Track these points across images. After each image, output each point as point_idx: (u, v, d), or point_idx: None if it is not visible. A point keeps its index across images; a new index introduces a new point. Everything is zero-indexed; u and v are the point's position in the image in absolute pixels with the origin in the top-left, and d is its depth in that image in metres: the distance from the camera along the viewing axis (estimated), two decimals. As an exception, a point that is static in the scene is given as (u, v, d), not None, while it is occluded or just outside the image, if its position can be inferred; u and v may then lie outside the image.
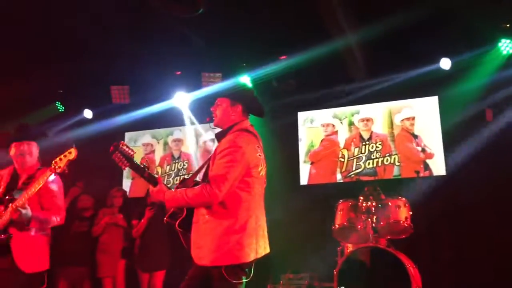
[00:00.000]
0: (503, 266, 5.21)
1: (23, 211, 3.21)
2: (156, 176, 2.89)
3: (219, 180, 2.62)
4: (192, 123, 7.48)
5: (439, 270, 5.36)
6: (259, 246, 2.73)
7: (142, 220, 5.56)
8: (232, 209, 2.67)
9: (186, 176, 7.25)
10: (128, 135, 7.82)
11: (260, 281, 5.31)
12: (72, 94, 7.46)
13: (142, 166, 2.87)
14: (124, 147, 2.84)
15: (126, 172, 7.61)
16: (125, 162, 2.83)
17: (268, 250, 2.83)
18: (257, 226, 2.75)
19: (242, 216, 2.68)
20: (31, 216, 3.26)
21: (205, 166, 2.95)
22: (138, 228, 5.57)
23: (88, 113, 7.55)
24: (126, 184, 7.51)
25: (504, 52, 5.90)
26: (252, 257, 2.67)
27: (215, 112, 2.93)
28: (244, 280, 2.66)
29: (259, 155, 2.83)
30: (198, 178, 3.03)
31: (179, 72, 7.10)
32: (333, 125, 6.87)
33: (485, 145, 5.80)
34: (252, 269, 2.70)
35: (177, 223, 2.82)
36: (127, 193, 7.25)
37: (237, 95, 2.95)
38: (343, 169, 6.62)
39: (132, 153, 2.86)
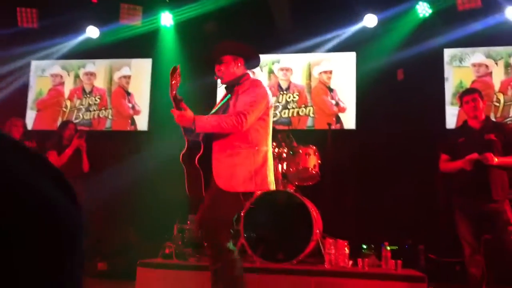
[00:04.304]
0: (401, 217, 5.61)
1: None
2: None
3: (246, 110, 2.89)
4: (108, 57, 7.11)
5: (340, 216, 5.66)
6: (272, 180, 3.07)
7: (68, 149, 5.30)
8: (255, 143, 2.97)
9: (100, 114, 6.96)
10: (35, 64, 7.27)
11: (168, 221, 5.30)
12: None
13: (179, 98, 2.95)
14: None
15: (30, 103, 7.13)
16: (175, 88, 2.92)
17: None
18: (271, 160, 3.09)
19: (263, 150, 3.00)
20: None
21: (223, 109, 3.11)
22: (62, 156, 5.29)
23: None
24: (30, 116, 7.05)
25: (421, 15, 6.13)
26: (268, 187, 3.05)
27: (221, 69, 3.12)
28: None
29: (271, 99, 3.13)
30: None
31: (95, 0, 6.64)
32: (253, 72, 6.82)
33: (394, 102, 6.08)
34: None
35: (196, 159, 2.96)
36: (31, 125, 6.83)
37: (238, 50, 3.19)
38: (259, 117, 6.66)
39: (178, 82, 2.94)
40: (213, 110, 3.20)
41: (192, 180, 3.03)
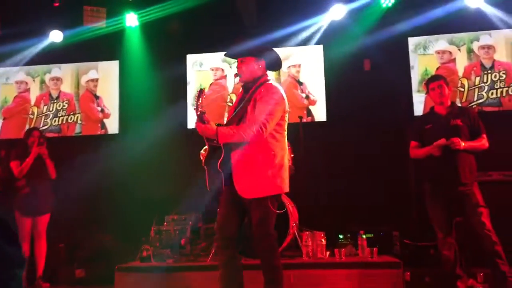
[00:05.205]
0: (374, 205, 5.70)
1: None
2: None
3: (266, 119, 3.02)
4: (73, 61, 6.99)
5: (315, 208, 5.73)
6: (287, 182, 3.18)
7: (28, 159, 5.18)
8: (272, 147, 3.09)
9: (69, 119, 6.84)
10: (-2, 71, 7.09)
11: (144, 223, 5.27)
12: None
13: (202, 112, 3.05)
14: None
15: (-3, 111, 6.97)
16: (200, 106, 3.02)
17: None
18: (287, 161, 3.22)
19: (280, 153, 3.11)
20: None
21: (240, 114, 3.18)
22: (23, 166, 5.17)
23: None
24: (-3, 125, 6.89)
25: (384, 5, 6.22)
26: (288, 189, 3.17)
27: (241, 67, 3.24)
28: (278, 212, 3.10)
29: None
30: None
31: (57, 4, 6.50)
32: (222, 69, 6.83)
33: (363, 92, 6.16)
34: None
35: (218, 164, 3.07)
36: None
37: (261, 52, 3.28)
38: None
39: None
40: (233, 113, 3.26)
41: (213, 179, 3.17)
